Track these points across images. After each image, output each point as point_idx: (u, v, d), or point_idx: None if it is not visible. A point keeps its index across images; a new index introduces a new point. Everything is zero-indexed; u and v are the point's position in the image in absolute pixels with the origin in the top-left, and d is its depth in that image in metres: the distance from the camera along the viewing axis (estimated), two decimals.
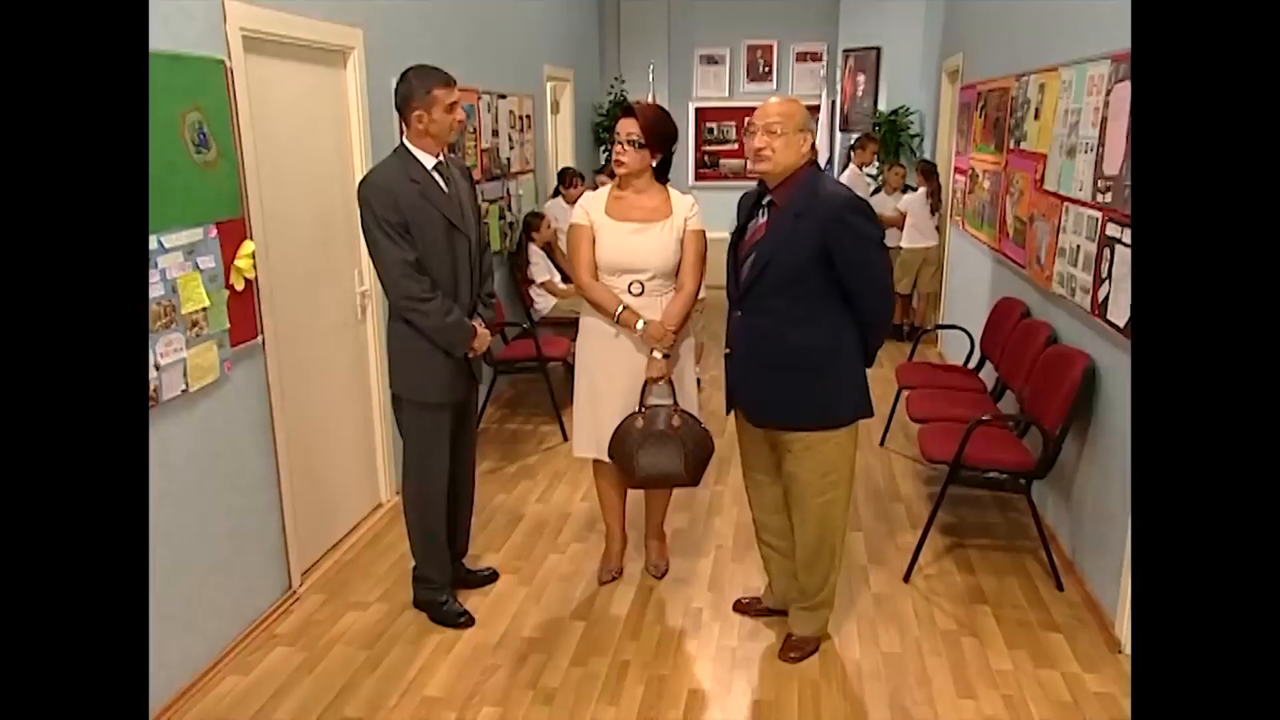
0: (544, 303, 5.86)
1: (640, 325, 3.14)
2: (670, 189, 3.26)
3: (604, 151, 8.89)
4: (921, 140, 8.39)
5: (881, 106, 8.65)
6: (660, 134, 3.16)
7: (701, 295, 3.38)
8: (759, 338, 2.79)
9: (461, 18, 5.07)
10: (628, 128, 3.12)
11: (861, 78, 8.87)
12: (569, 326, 5.68)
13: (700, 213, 3.24)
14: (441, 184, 2.99)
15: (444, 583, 3.29)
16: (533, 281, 5.84)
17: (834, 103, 9.01)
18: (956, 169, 6.54)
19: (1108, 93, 3.31)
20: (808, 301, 2.70)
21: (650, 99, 7.86)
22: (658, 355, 3.17)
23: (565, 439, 5.09)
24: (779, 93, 9.49)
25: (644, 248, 3.15)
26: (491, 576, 3.55)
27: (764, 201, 2.80)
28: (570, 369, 5.90)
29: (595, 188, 4.85)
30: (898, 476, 4.58)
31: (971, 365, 4.89)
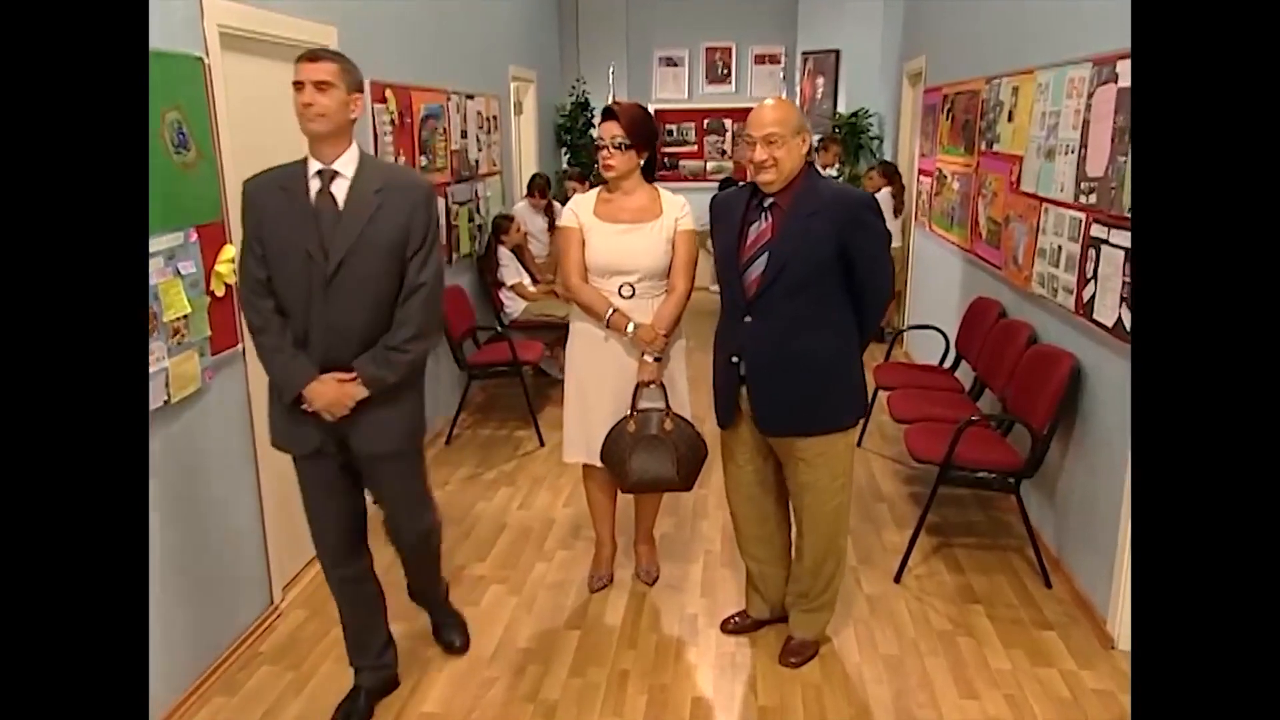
0: (514, 306, 5.78)
1: (630, 328, 3.09)
2: (660, 189, 3.21)
3: (565, 153, 8.84)
4: (881, 142, 8.48)
5: (841, 109, 8.72)
6: (643, 132, 3.10)
7: None
8: (776, 344, 2.70)
9: (431, 17, 4.98)
10: (611, 130, 3.06)
11: (820, 80, 8.93)
12: (539, 330, 5.65)
13: (691, 213, 3.19)
14: (311, 198, 2.38)
15: (380, 665, 2.83)
16: (503, 284, 5.76)
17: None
18: (921, 171, 6.60)
19: (1089, 95, 3.35)
20: (822, 303, 2.66)
21: (611, 100, 7.82)
22: (649, 358, 3.13)
23: (541, 444, 5.01)
24: (738, 95, 9.54)
25: (634, 248, 3.10)
26: (462, 648, 3.09)
27: (765, 204, 2.70)
28: (539, 372, 5.91)
29: (567, 197, 4.80)
30: (878, 476, 4.60)
31: (946, 365, 4.93)
